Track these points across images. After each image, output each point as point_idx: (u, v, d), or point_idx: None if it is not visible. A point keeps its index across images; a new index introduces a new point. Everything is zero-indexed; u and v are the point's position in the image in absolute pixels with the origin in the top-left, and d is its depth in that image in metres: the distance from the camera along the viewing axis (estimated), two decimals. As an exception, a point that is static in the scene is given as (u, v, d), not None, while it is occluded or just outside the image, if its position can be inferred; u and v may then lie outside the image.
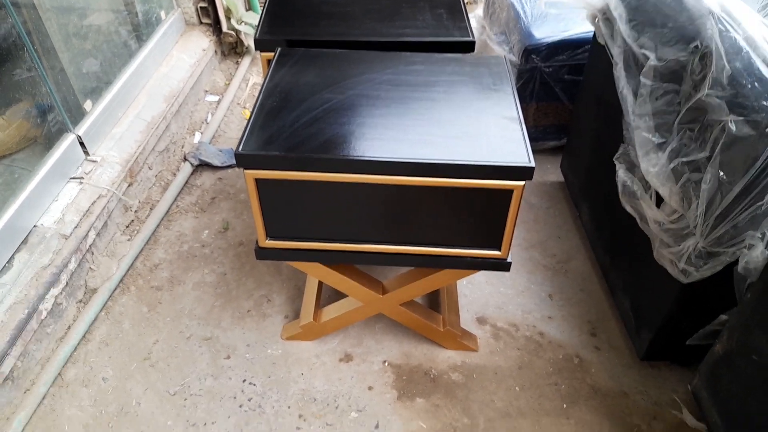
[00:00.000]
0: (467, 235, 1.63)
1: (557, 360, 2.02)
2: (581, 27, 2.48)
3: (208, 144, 2.81)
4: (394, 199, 1.54)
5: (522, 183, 1.48)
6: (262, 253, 1.71)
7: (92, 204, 2.11)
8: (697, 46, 1.52)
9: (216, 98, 3.15)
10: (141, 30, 2.74)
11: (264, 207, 1.59)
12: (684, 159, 1.51)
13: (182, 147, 2.80)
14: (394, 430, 1.82)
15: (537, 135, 2.84)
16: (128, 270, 2.24)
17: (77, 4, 2.41)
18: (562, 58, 2.56)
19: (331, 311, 2.00)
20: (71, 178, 2.16)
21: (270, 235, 1.67)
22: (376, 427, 1.83)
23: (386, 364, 2.00)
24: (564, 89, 2.69)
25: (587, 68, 2.35)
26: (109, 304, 2.14)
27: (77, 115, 2.24)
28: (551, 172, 2.81)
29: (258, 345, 2.05)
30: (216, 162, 2.75)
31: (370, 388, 1.93)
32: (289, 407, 1.87)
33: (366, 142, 1.47)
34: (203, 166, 2.77)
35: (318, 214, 1.60)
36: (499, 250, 1.66)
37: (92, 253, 2.11)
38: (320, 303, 2.10)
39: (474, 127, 1.52)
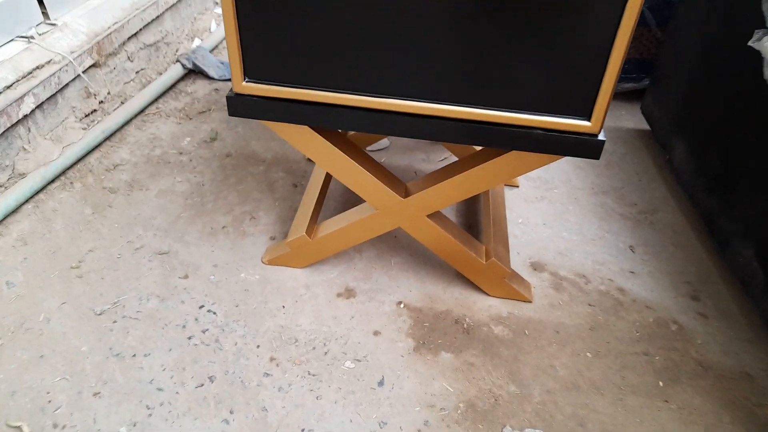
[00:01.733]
0: (540, 87, 1.07)
1: (646, 324, 1.42)
2: None
3: (207, 51, 2.31)
4: (435, 9, 0.99)
5: (646, -17, 0.92)
6: (236, 106, 1.17)
7: (37, 68, 1.61)
8: None
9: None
10: None
11: (243, 19, 1.06)
12: None
13: (176, 51, 2.31)
14: (406, 390, 1.23)
15: (611, 72, 2.27)
16: (76, 162, 1.73)
17: None
18: (657, -38, 2.00)
19: (331, 224, 1.44)
20: (18, 36, 1.67)
21: (249, 73, 1.13)
22: (380, 383, 1.24)
23: (401, 305, 1.42)
24: (653, 8, 2.13)
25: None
26: (41, 197, 1.62)
27: (39, -35, 1.76)
28: (626, 119, 2.23)
29: (229, 267, 1.49)
30: (213, 73, 2.25)
31: (376, 333, 1.35)
32: (258, 346, 1.30)
33: None
34: (198, 74, 2.28)
35: (321, 38, 1.06)
36: (589, 119, 1.09)
37: (28, 130, 1.60)
38: (318, 218, 1.54)
39: None
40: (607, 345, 1.36)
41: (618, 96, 2.35)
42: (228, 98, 1.17)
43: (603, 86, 1.05)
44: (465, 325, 1.38)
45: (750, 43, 1.37)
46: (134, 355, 1.27)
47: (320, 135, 1.22)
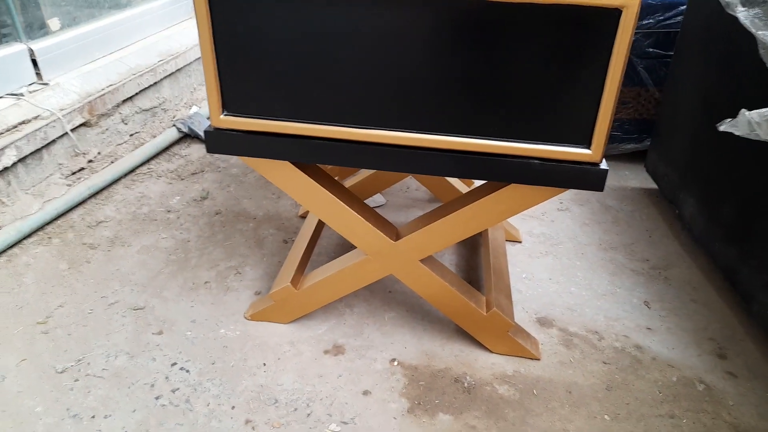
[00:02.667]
0: (536, 114, 1.00)
1: (669, 383, 1.26)
2: (675, -21, 1.97)
3: (204, 117, 2.32)
4: (425, 39, 0.95)
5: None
6: (214, 141, 1.12)
7: (23, 122, 1.58)
8: None
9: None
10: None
11: (221, 50, 1.03)
12: None
13: (173, 117, 2.31)
14: (399, 456, 1.07)
15: (611, 133, 2.24)
16: (57, 218, 1.66)
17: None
18: (649, 23, 2.03)
19: (318, 274, 1.33)
20: (8, 94, 1.66)
21: (228, 106, 1.08)
22: (369, 449, 1.08)
23: (395, 363, 1.28)
24: (650, 69, 2.13)
25: (687, 16, 1.80)
26: (16, 251, 1.53)
27: (36, 27, 1.79)
28: (631, 179, 2.17)
29: (208, 322, 1.38)
30: (211, 137, 2.23)
31: (366, 393, 1.21)
32: (233, 407, 1.16)
33: None
34: (194, 138, 2.26)
35: (301, 69, 1.02)
36: (588, 146, 1.02)
37: (8, 183, 1.55)
38: (305, 269, 1.43)
39: None
40: (627, 407, 1.20)
41: (620, 157, 2.30)
42: (206, 133, 1.11)
43: (602, 109, 0.98)
44: (465, 384, 1.23)
45: (721, 128, 1.28)
46: (93, 417, 1.12)
47: (304, 172, 1.15)
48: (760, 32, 1.18)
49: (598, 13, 0.91)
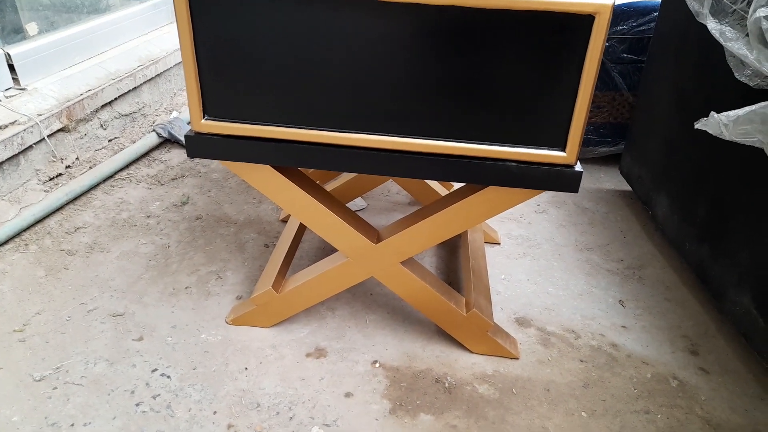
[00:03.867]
0: (512, 118, 1.03)
1: (643, 380, 1.30)
2: (647, -14, 2.02)
3: (184, 122, 2.31)
4: (404, 43, 0.97)
5: (610, 2, 0.91)
6: (195, 146, 1.12)
7: None
8: None
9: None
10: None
11: (201, 54, 1.03)
12: None
13: (153, 122, 2.30)
14: (380, 457, 1.08)
15: (587, 137, 2.29)
16: (33, 224, 1.64)
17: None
18: (623, 29, 2.07)
19: (300, 277, 1.34)
20: (-16, 99, 1.64)
21: (209, 111, 1.09)
22: (351, 450, 1.09)
23: (377, 365, 1.30)
24: (624, 74, 2.18)
25: (659, 21, 1.85)
26: (-9, 258, 1.52)
27: (12, 32, 1.77)
28: (605, 181, 2.22)
29: (189, 328, 1.37)
30: (191, 142, 2.23)
31: (348, 395, 1.22)
32: (215, 413, 1.16)
33: None
34: (174, 144, 2.25)
35: (281, 73, 1.03)
36: (563, 149, 1.05)
37: (-16, 189, 1.53)
38: (286, 273, 1.44)
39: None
40: (604, 403, 1.23)
41: (595, 160, 2.35)
42: (186, 137, 1.12)
43: (576, 112, 1.01)
44: (446, 385, 1.25)
45: (697, 126, 1.33)
46: (72, 425, 1.12)
47: (284, 176, 1.16)
48: (729, 44, 1.22)
49: (571, 19, 0.93)
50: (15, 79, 1.76)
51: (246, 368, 1.27)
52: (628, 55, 2.13)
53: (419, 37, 0.98)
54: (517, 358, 1.33)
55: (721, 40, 1.25)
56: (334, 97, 1.04)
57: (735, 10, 1.27)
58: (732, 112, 1.14)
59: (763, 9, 1.09)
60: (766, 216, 1.28)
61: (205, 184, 2.02)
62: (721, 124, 1.17)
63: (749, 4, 1.19)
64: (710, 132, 1.20)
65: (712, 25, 1.31)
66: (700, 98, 1.57)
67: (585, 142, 2.29)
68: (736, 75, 1.25)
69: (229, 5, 0.98)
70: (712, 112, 1.19)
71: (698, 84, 1.58)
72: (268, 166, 1.14)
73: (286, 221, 1.77)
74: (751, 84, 1.21)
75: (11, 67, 1.74)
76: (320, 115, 1.06)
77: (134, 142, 2.12)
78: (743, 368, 1.34)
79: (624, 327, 1.46)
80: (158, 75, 2.31)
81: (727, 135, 1.13)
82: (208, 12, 0.99)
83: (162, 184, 1.99)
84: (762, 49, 1.11)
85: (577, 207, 2.00)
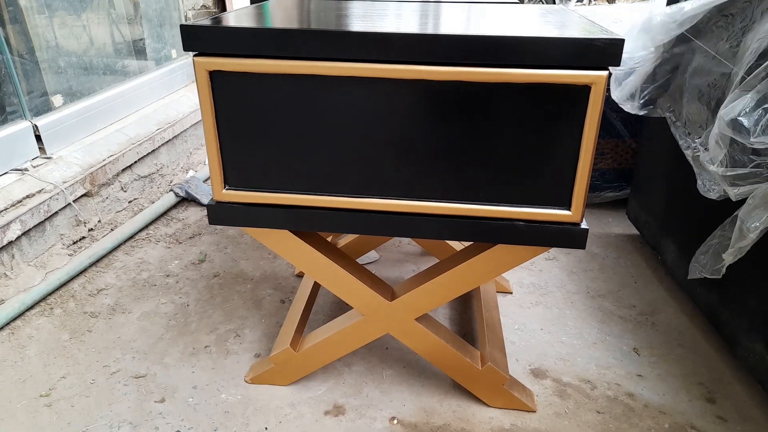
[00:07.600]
0: (517, 180, 1.08)
1: (662, 430, 1.30)
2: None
3: (201, 181, 2.39)
4: (412, 114, 1.03)
5: (605, 74, 0.97)
6: (216, 214, 1.18)
7: (27, 196, 1.64)
8: None
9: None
10: (145, 59, 2.50)
11: (222, 129, 1.10)
12: None
13: (171, 182, 2.38)
14: None
15: (593, 182, 2.34)
16: (58, 288, 1.69)
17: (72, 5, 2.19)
18: (622, 79, 2.14)
19: (317, 335, 1.37)
20: (13, 169, 1.72)
21: (230, 181, 1.15)
22: None
23: (395, 421, 1.31)
24: (625, 121, 2.25)
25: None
26: (18, 323, 1.56)
27: (40, 105, 1.88)
28: (614, 225, 2.25)
29: (209, 388, 1.40)
30: (205, 200, 2.30)
31: (367, 453, 1.23)
32: (236, 474, 1.18)
33: (378, 19, 1.02)
34: (191, 202, 2.33)
35: (298, 144, 1.09)
36: (568, 208, 1.09)
37: (12, 256, 1.59)
38: (303, 331, 1.47)
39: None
40: (623, 455, 1.23)
41: (602, 205, 2.39)
42: (208, 206, 1.18)
43: (578, 173, 1.06)
44: (464, 440, 1.26)
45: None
46: (98, 490, 1.14)
47: (301, 239, 1.21)
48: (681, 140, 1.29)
49: (569, 90, 0.99)
50: (41, 149, 1.85)
51: (266, 428, 1.29)
52: (629, 104, 2.19)
53: (428, 108, 1.04)
54: (534, 411, 1.34)
55: (677, 136, 1.31)
56: (349, 165, 1.10)
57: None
58: (727, 169, 1.19)
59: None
60: (772, 263, 1.31)
61: (222, 241, 2.07)
62: (718, 177, 1.22)
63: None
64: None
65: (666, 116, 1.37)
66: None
67: (591, 188, 2.34)
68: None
69: (248, 83, 1.06)
70: (710, 167, 1.23)
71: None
72: (285, 231, 1.19)
73: (302, 276, 1.81)
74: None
75: (38, 138, 1.83)
76: (335, 181, 1.12)
77: (153, 203, 2.19)
78: (762, 416, 1.34)
79: (639, 376, 1.47)
80: (175, 136, 2.41)
81: (727, 191, 1.17)
82: (228, 91, 1.06)
83: (180, 243, 2.05)
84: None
85: (586, 253, 2.03)
